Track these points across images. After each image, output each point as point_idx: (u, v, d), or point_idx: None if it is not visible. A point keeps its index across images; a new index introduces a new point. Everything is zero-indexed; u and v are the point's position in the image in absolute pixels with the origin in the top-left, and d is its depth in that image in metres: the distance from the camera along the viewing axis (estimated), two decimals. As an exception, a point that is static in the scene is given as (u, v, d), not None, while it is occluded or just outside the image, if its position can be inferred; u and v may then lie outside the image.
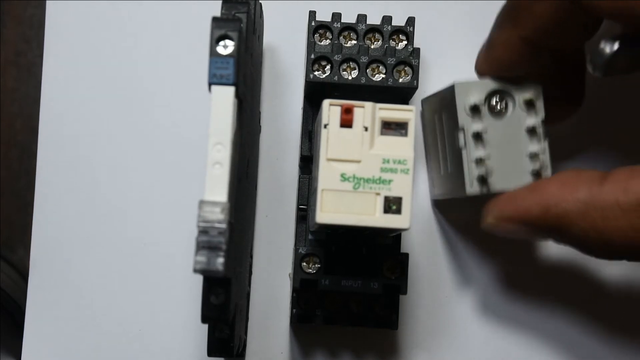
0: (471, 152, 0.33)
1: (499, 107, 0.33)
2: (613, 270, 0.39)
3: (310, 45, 0.35)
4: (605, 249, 0.30)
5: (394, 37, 0.36)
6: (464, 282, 0.39)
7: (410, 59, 0.35)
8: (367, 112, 0.31)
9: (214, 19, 0.30)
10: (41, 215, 0.39)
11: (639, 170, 0.30)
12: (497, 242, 0.38)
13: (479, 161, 0.33)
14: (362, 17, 0.36)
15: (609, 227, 0.29)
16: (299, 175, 0.38)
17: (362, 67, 0.35)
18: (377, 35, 0.36)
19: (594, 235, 0.30)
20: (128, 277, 0.38)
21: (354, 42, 0.36)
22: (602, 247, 0.30)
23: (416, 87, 0.35)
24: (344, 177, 0.31)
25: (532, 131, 0.33)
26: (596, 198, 0.30)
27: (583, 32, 0.33)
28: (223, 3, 0.32)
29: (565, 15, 0.31)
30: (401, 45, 0.36)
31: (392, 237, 0.36)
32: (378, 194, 0.31)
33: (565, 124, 0.36)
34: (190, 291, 0.38)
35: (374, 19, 0.36)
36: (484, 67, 0.35)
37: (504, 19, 0.33)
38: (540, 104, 0.33)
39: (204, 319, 0.30)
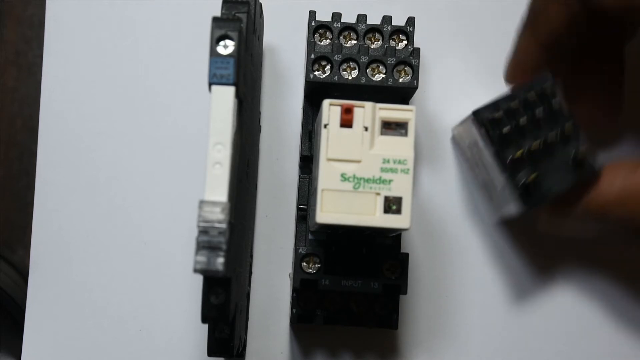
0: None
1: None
2: (612, 272, 0.39)
3: (310, 45, 0.35)
4: None
5: (394, 37, 0.36)
6: (464, 282, 0.39)
7: (410, 59, 0.35)
8: (367, 112, 0.31)
9: (214, 19, 0.30)
10: (41, 215, 0.39)
11: None
12: (497, 242, 0.38)
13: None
14: (362, 17, 0.36)
15: None
16: (299, 175, 0.38)
17: (362, 67, 0.35)
18: (377, 35, 0.36)
19: (633, 219, 0.32)
20: (128, 277, 0.38)
21: (354, 42, 0.36)
22: None
23: (416, 87, 0.35)
24: (344, 177, 0.31)
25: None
26: (630, 185, 0.32)
27: (612, 35, 0.33)
28: (223, 3, 0.32)
29: (578, 16, 0.32)
30: (401, 45, 0.36)
31: (392, 237, 0.36)
32: (378, 194, 0.31)
33: (611, 129, 0.38)
34: (190, 291, 0.38)
35: (374, 19, 0.36)
36: (509, 73, 0.36)
37: (524, 25, 0.35)
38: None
39: (204, 319, 0.30)
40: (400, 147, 0.31)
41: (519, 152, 0.33)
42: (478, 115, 0.33)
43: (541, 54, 0.34)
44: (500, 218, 0.38)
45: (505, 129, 0.33)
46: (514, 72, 0.36)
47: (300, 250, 0.35)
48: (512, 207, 0.34)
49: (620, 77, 0.36)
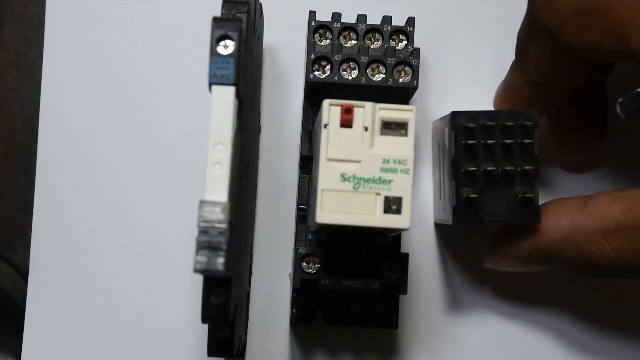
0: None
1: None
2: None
3: (310, 45, 0.35)
4: (594, 270, 0.32)
5: (394, 37, 0.36)
6: (464, 282, 0.39)
7: (410, 59, 0.35)
8: (367, 112, 0.31)
9: (215, 19, 0.30)
10: (41, 215, 0.39)
11: (618, 195, 0.32)
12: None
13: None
14: (362, 17, 0.36)
15: (593, 250, 0.31)
16: (299, 175, 0.38)
17: (362, 67, 0.35)
18: (377, 35, 0.36)
19: (581, 259, 0.32)
20: (128, 276, 0.38)
21: (354, 42, 0.36)
22: (590, 269, 0.32)
23: (416, 87, 0.35)
24: (344, 177, 0.31)
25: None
26: (578, 225, 0.32)
27: (590, 71, 0.33)
28: (223, 3, 0.32)
29: (558, 56, 0.32)
30: (401, 45, 0.36)
31: (392, 237, 0.36)
32: (378, 194, 0.31)
33: (589, 157, 0.38)
34: (190, 291, 0.38)
35: (374, 19, 0.36)
36: (498, 104, 0.37)
37: (513, 64, 0.35)
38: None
39: (204, 319, 0.30)
40: (400, 147, 0.31)
41: (473, 168, 0.33)
42: (454, 117, 0.33)
43: (529, 92, 0.34)
44: (438, 221, 0.38)
45: (472, 142, 0.33)
46: (502, 105, 0.37)
47: (300, 250, 0.35)
48: (448, 216, 0.34)
49: (604, 109, 0.36)
